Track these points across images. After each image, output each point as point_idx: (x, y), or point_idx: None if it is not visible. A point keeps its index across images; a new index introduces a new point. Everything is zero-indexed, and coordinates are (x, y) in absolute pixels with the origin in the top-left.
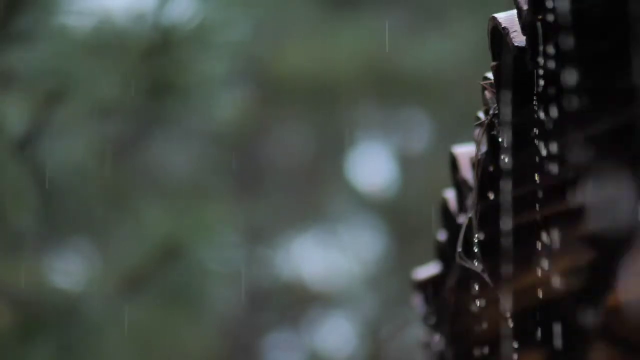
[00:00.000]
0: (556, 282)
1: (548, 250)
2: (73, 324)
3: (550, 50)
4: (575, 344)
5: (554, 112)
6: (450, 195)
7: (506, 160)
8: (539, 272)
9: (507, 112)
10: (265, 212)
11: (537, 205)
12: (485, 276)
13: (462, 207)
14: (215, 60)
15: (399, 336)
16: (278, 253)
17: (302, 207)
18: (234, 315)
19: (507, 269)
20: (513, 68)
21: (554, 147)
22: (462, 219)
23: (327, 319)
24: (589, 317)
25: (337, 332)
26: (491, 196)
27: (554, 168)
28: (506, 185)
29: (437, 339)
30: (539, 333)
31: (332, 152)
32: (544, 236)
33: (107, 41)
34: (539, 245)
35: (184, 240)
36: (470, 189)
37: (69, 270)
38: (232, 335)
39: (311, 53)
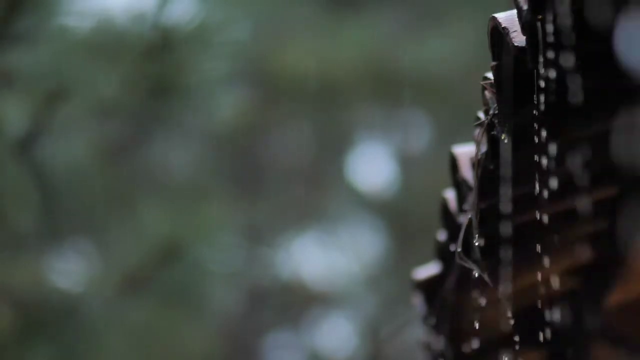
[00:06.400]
0: (556, 282)
1: (548, 250)
2: (73, 324)
3: (550, 50)
4: (576, 344)
5: (554, 111)
6: (450, 195)
7: (506, 160)
8: (539, 272)
9: (507, 112)
10: (265, 212)
11: (537, 206)
12: (485, 276)
13: (462, 207)
14: (215, 60)
15: (399, 336)
16: (278, 253)
17: (302, 207)
18: (234, 316)
19: (507, 269)
20: (513, 68)
21: (553, 147)
22: (462, 219)
23: (327, 319)
24: (589, 317)
25: (337, 332)
26: (491, 196)
27: (553, 168)
28: (506, 185)
29: (437, 339)
30: (539, 333)
31: (332, 152)
32: (544, 236)
33: (107, 41)
34: (539, 245)
35: (184, 241)
36: (470, 189)
37: (69, 271)
38: (232, 335)
39: (311, 53)
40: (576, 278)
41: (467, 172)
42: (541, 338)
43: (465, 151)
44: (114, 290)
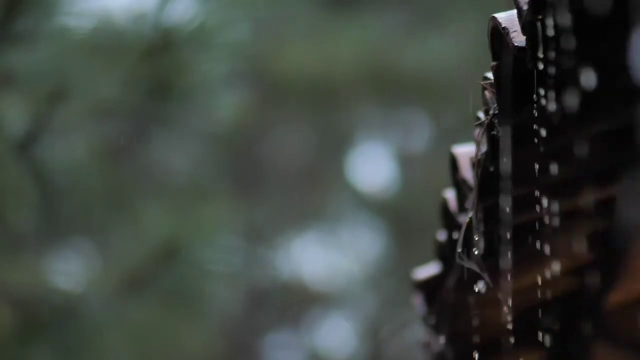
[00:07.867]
0: (556, 282)
1: (548, 250)
2: (73, 324)
3: (551, 50)
4: (576, 344)
5: (553, 111)
6: (450, 195)
7: (506, 160)
8: (539, 272)
9: (507, 112)
10: (265, 213)
11: (537, 206)
12: (485, 276)
13: (462, 207)
14: (215, 61)
15: (399, 336)
16: (278, 253)
17: (302, 207)
18: (234, 315)
19: (507, 269)
20: (513, 68)
21: (554, 147)
22: (462, 219)
23: (327, 319)
24: (589, 317)
25: (337, 332)
26: (491, 196)
27: (554, 168)
28: (506, 185)
29: (437, 339)
30: (539, 333)
31: (332, 152)
32: (544, 236)
33: (107, 41)
34: (538, 246)
35: (184, 241)
36: (470, 189)
37: (69, 271)
38: (232, 335)
39: (311, 53)
40: (576, 278)
41: (467, 172)
42: (541, 338)
43: (465, 151)
44: (114, 290)
